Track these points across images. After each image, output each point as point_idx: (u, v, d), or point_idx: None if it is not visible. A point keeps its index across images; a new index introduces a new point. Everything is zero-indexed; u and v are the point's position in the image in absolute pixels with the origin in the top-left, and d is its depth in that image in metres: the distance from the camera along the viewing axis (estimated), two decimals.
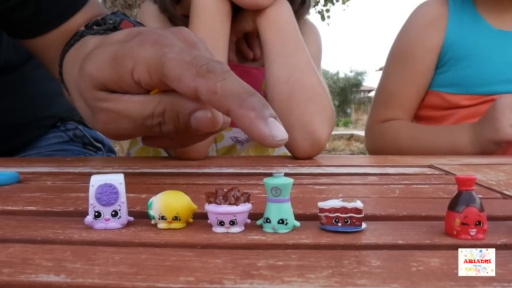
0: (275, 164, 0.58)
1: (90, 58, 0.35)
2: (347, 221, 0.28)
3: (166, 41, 0.32)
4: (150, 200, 0.29)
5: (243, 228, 0.29)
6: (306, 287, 0.20)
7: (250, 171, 0.52)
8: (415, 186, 0.43)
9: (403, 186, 0.43)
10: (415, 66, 0.91)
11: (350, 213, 0.28)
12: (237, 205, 0.28)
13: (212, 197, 0.28)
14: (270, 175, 0.28)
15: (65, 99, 0.78)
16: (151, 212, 0.29)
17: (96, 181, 0.29)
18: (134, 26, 0.43)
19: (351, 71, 26.87)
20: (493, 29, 0.86)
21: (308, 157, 0.62)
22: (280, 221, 0.28)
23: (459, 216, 0.27)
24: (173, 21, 0.70)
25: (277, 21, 0.65)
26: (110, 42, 0.35)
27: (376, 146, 0.97)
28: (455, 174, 0.48)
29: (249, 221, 0.29)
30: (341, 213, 0.28)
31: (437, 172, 0.51)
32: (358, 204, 0.28)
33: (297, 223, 0.29)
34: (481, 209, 0.27)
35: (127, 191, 0.29)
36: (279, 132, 0.27)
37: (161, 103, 0.33)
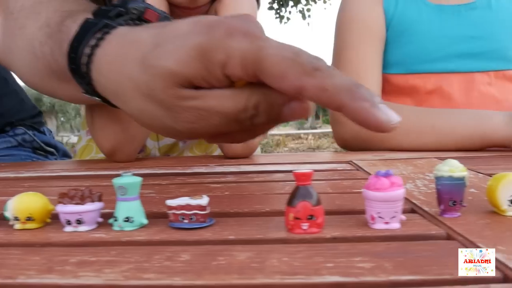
0: (194, 164, 0.59)
1: (164, 53, 0.31)
2: (192, 218, 0.29)
3: (257, 32, 0.30)
4: (7, 202, 0.30)
5: (93, 226, 0.29)
6: (92, 280, 0.21)
7: (169, 171, 0.52)
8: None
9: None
10: (370, 30, 0.82)
11: (194, 210, 0.29)
12: (83, 204, 0.29)
13: (62, 197, 0.29)
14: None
15: (11, 100, 0.76)
16: (7, 214, 0.30)
17: None
18: (159, 15, 0.40)
19: None
20: (429, 4, 0.84)
21: (237, 158, 0.63)
22: (126, 219, 0.29)
23: (293, 211, 0.27)
24: None
25: (236, 11, 0.64)
26: (180, 34, 0.31)
27: (357, 136, 0.75)
28: (366, 171, 0.49)
29: (101, 220, 0.30)
30: (186, 210, 0.29)
31: (349, 168, 0.51)
32: (202, 201, 0.29)
33: (145, 221, 0.29)
34: (316, 204, 0.27)
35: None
36: (393, 116, 0.27)
37: (254, 95, 0.31)
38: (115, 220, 0.29)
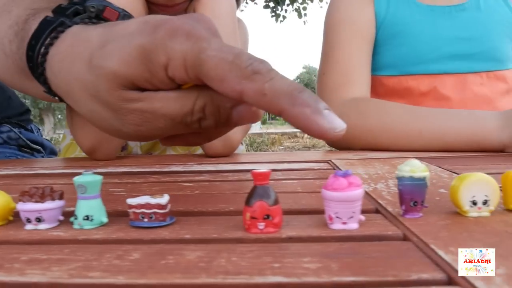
0: (173, 162, 0.59)
1: (108, 53, 0.30)
2: (152, 217, 0.29)
3: (200, 33, 0.29)
4: None
5: (54, 224, 0.29)
6: (36, 278, 0.21)
7: (146, 169, 0.52)
8: (277, 181, 0.43)
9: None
10: (359, 31, 0.82)
11: (154, 208, 0.29)
12: (42, 202, 0.29)
13: (22, 195, 0.29)
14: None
15: None
16: None
17: None
18: (119, 14, 0.39)
19: None
20: (421, 5, 0.84)
21: (218, 156, 0.63)
22: (86, 218, 0.29)
23: (249, 210, 0.27)
24: None
25: (213, 12, 0.64)
26: (126, 33, 0.31)
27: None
28: (340, 169, 0.49)
29: (62, 218, 0.30)
30: (146, 209, 0.29)
31: (325, 167, 0.51)
32: (162, 200, 0.29)
33: (105, 219, 0.29)
34: (274, 203, 0.27)
35: None
36: (338, 123, 0.26)
37: (201, 98, 0.30)
38: (75, 219, 0.29)
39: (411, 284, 0.20)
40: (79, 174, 0.29)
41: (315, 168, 0.51)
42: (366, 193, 0.37)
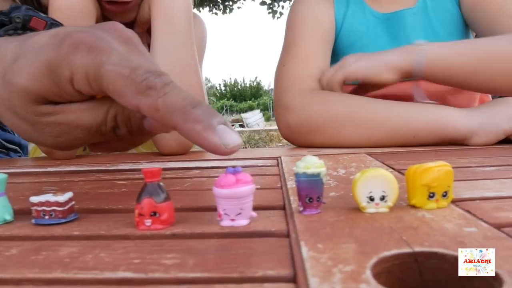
0: (126, 161, 0.59)
1: (18, 69, 0.31)
2: (52, 214, 0.30)
3: (103, 45, 0.30)
4: None
5: None
6: None
7: (93, 168, 0.53)
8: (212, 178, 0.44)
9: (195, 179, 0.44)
10: (321, 30, 0.83)
11: (53, 206, 0.29)
12: None
13: None
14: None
15: None
16: None
17: None
18: (47, 23, 0.39)
19: None
20: (376, 13, 0.85)
21: (173, 154, 0.63)
22: None
23: (138, 207, 0.28)
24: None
25: (167, 9, 0.64)
26: (36, 48, 0.31)
27: (305, 124, 0.70)
28: (282, 167, 0.49)
29: None
30: (46, 207, 0.30)
31: (269, 164, 0.51)
32: (61, 198, 0.30)
33: (9, 217, 0.30)
34: (163, 200, 0.28)
35: None
36: (230, 139, 0.26)
37: (113, 107, 0.32)
38: None
39: (252, 281, 0.20)
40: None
41: (259, 165, 0.51)
42: (287, 189, 0.37)
